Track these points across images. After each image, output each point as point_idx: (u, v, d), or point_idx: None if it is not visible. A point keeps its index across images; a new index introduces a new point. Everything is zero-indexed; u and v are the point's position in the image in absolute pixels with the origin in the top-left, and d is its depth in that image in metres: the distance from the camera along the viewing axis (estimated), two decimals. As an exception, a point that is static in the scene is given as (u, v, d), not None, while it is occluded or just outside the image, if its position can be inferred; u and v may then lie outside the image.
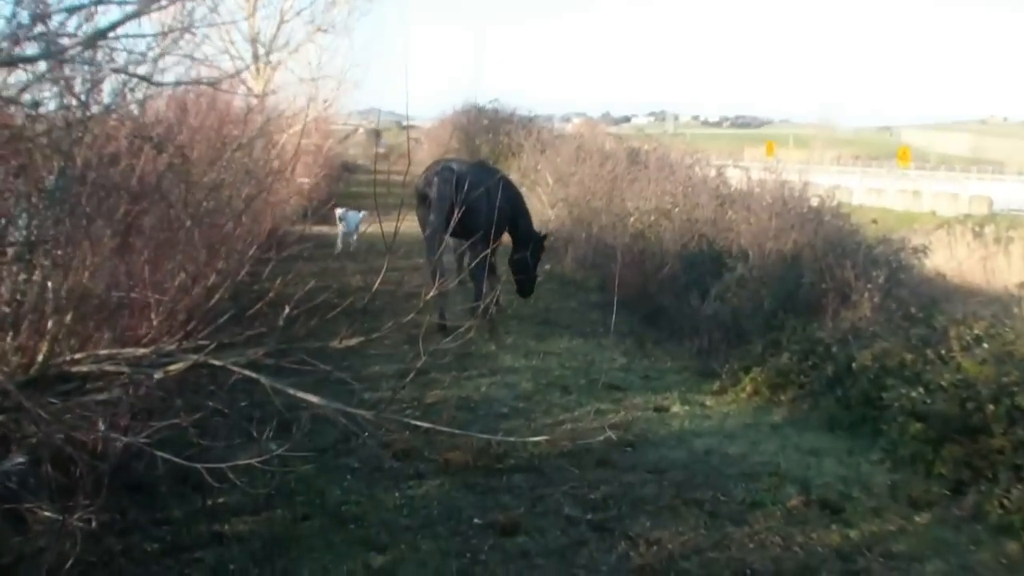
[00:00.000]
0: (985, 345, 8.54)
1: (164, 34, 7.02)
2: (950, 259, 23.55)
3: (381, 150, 64.97)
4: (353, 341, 4.82)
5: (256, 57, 25.62)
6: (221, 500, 6.07)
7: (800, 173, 17.15)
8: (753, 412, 9.24)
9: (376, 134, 75.61)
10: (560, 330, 12.15)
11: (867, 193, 67.47)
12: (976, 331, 8.93)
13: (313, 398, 4.80)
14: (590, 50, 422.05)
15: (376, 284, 5.56)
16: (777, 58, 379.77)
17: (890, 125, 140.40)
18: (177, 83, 8.70)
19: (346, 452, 7.31)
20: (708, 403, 9.47)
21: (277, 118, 17.08)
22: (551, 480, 6.92)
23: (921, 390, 8.09)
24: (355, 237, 18.41)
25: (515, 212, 13.28)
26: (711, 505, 6.62)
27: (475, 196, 12.38)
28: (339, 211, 18.53)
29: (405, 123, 76.77)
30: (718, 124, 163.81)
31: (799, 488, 6.95)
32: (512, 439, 6.69)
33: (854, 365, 9.23)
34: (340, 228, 18.47)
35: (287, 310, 4.87)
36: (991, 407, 7.50)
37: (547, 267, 14.30)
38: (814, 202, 15.00)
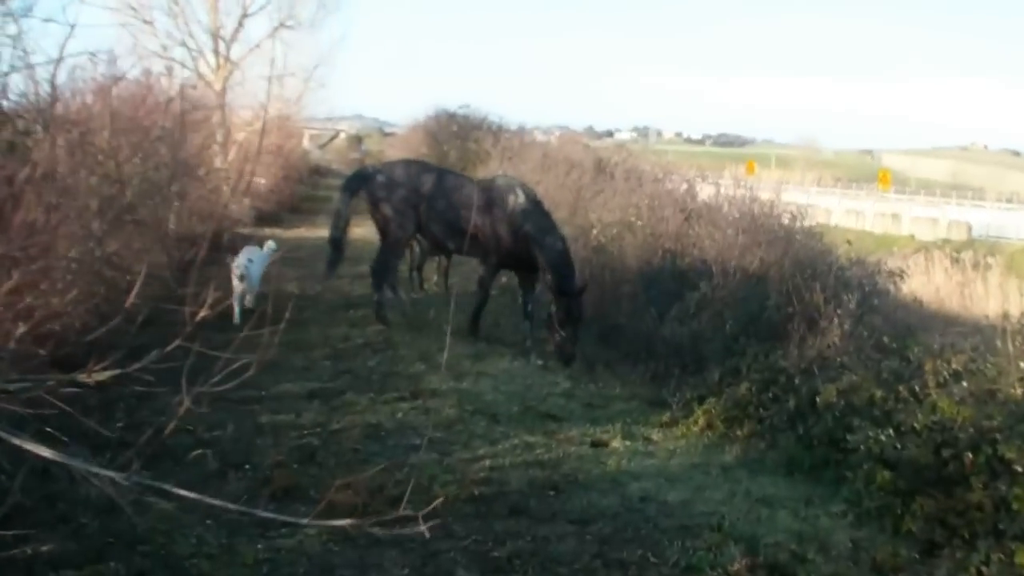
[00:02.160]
0: (964, 383, 7.56)
1: None
2: (927, 284, 22.74)
3: (356, 155, 64.60)
4: (105, 375, 3.62)
5: (216, 52, 24.62)
6: (45, 549, 4.97)
7: (774, 190, 16.21)
8: (703, 450, 8.21)
9: (357, 140, 75.34)
10: (502, 349, 11.13)
11: (846, 215, 66.87)
12: (955, 366, 7.96)
13: (45, 451, 3.62)
14: (578, 65, 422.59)
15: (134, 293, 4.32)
16: (762, 78, 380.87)
17: (872, 149, 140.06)
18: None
19: (218, 489, 6.23)
20: (654, 437, 8.45)
21: (198, 111, 15.93)
22: (452, 531, 5.85)
23: (891, 432, 7.12)
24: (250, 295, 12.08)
25: (515, 236, 11.59)
26: (638, 569, 5.56)
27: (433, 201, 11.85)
28: (240, 259, 12.08)
29: (387, 129, 76.53)
30: (700, 142, 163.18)
31: (745, 547, 5.89)
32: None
33: (818, 400, 8.24)
34: (237, 284, 11.83)
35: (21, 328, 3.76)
36: (969, 456, 6.53)
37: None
38: (785, 219, 14.04)
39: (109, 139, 10.56)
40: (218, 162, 21.73)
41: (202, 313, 3.66)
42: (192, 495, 3.68)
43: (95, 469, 3.52)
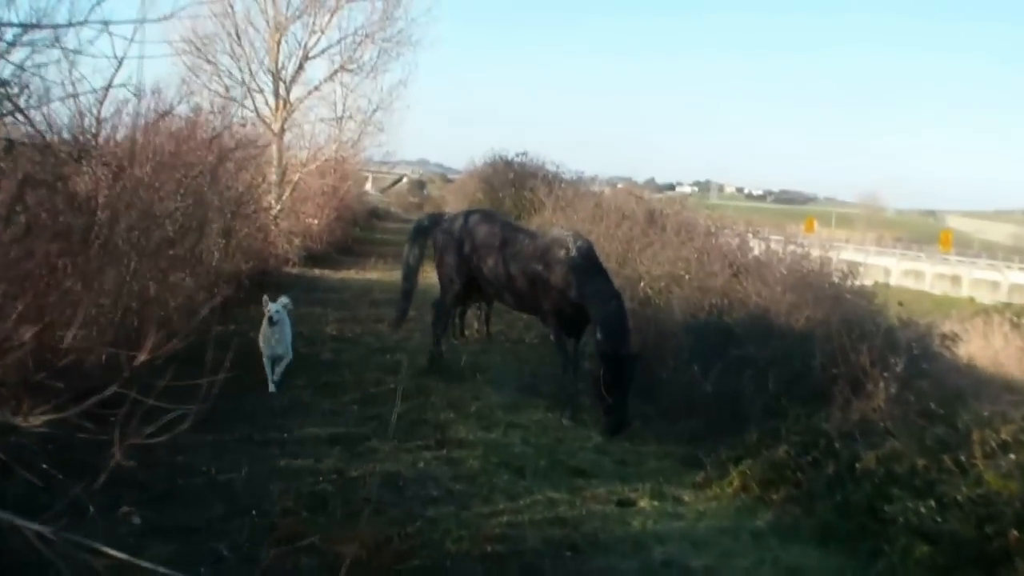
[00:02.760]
0: (1012, 455, 7.19)
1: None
2: (986, 348, 22.10)
3: (416, 200, 65.22)
4: (41, 419, 3.38)
5: (276, 93, 24.80)
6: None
7: (824, 247, 15.89)
8: (735, 513, 7.86)
9: (419, 184, 76.22)
10: (537, 399, 10.86)
11: (905, 275, 66.06)
12: (1004, 436, 7.58)
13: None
14: (644, 118, 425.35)
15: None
16: (826, 136, 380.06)
17: (935, 210, 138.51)
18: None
19: (222, 532, 6.06)
20: (685, 498, 8.12)
21: (246, 148, 15.89)
22: (458, 591, 5.63)
23: (932, 504, 6.79)
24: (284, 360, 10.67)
25: (566, 291, 10.86)
26: (651, 640, 5.30)
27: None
28: (273, 307, 10.51)
29: (449, 176, 77.54)
30: (762, 198, 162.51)
31: (768, 622, 5.60)
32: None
33: (858, 466, 7.88)
34: (265, 333, 10.55)
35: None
36: (1015, 532, 6.21)
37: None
38: (835, 278, 13.71)
39: (151, 173, 10.52)
40: (271, 201, 21.82)
41: (142, 357, 3.42)
42: (122, 556, 3.40)
43: (19, 522, 3.26)
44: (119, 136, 10.44)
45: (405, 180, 79.75)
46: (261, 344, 10.50)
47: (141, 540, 5.80)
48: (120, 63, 7.77)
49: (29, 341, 4.95)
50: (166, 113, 11.19)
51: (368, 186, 58.09)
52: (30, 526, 3.19)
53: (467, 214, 12.75)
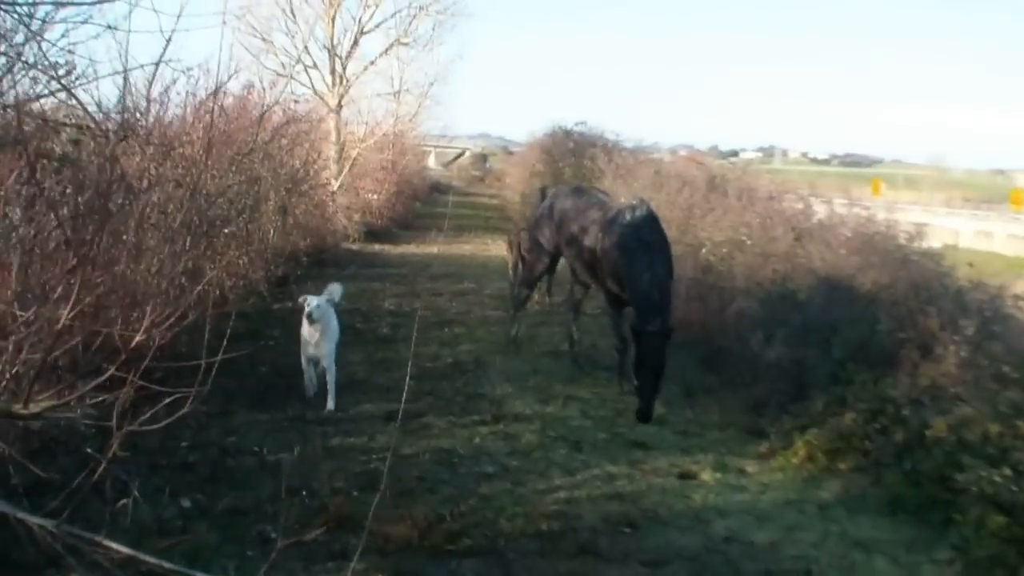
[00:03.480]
0: (1092, 421, 6.89)
1: None
2: (1061, 310, 21.43)
3: (478, 173, 65.23)
4: (42, 405, 3.24)
5: (332, 69, 24.79)
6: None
7: (890, 209, 15.48)
8: (801, 485, 7.61)
9: (482, 158, 76.23)
10: (597, 372, 10.67)
11: (975, 236, 64.49)
12: (1083, 401, 7.27)
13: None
14: (706, 85, 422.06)
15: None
16: (890, 98, 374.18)
17: (1004, 168, 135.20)
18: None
19: (271, 514, 5.97)
20: (748, 470, 7.89)
21: (299, 123, 15.78)
22: (511, 571, 5.46)
23: (1007, 472, 6.49)
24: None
25: (609, 261, 10.21)
26: (710, 619, 5.11)
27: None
28: (313, 302, 8.75)
29: (511, 149, 77.34)
30: (827, 162, 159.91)
31: (834, 598, 5.38)
32: None
33: (928, 433, 7.60)
34: (306, 332, 8.87)
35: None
36: (1096, 503, 5.91)
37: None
38: (901, 239, 13.30)
39: (202, 151, 10.47)
40: (329, 177, 21.82)
41: (137, 338, 3.28)
42: (124, 549, 3.26)
43: (22, 514, 3.13)
44: (168, 115, 10.41)
45: (467, 154, 79.75)
46: (302, 345, 8.96)
47: (188, 523, 5.73)
48: (168, 40, 7.66)
49: (76, 324, 4.87)
50: (216, 91, 11.09)
51: (431, 161, 58.30)
52: (31, 519, 3.07)
53: (555, 190, 12.65)
